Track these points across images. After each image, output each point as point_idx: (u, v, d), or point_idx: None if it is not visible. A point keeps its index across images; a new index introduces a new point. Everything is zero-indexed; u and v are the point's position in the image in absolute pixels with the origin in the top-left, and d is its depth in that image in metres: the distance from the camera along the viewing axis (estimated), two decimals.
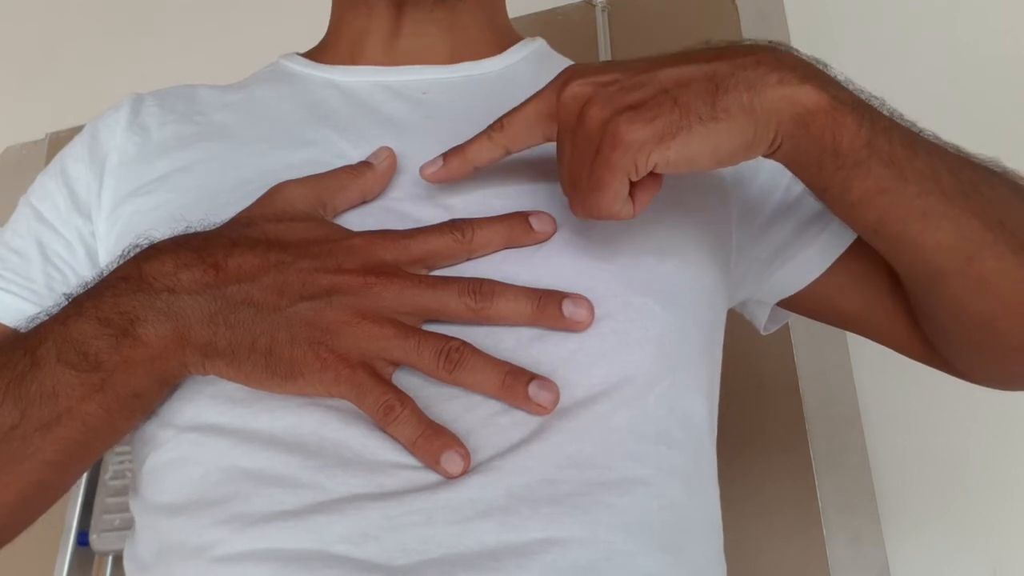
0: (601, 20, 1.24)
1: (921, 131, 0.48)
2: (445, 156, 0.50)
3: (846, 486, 0.94)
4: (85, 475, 1.12)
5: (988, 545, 0.90)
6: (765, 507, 0.94)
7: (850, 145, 0.43)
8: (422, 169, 0.51)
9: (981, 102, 1.06)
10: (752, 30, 1.15)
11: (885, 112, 0.46)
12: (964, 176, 0.46)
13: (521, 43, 0.66)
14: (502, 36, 0.66)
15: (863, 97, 0.46)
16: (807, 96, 0.42)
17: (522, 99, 0.50)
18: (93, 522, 1.10)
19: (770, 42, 0.46)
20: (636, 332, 0.49)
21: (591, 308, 0.47)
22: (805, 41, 1.13)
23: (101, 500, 1.11)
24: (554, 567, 0.41)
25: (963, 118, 1.03)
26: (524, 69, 0.63)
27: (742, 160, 0.44)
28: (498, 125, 0.49)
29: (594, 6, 1.25)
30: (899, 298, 0.57)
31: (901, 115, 0.48)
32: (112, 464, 1.12)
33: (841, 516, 0.92)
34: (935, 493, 0.94)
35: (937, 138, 0.48)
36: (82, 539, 1.11)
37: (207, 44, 1.50)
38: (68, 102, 1.42)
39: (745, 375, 0.99)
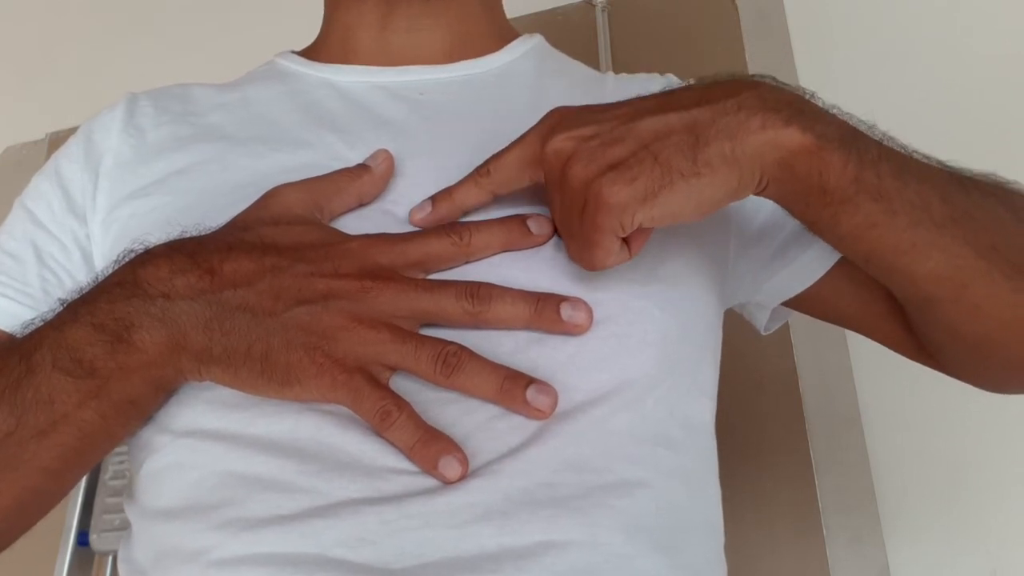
0: (601, 20, 1.24)
1: (911, 153, 0.47)
2: (434, 200, 0.51)
3: (846, 486, 0.94)
4: (85, 476, 1.12)
5: (988, 546, 0.90)
6: (765, 507, 0.94)
7: (837, 183, 0.43)
8: (411, 214, 0.52)
9: (981, 102, 1.06)
10: (752, 30, 1.15)
11: (875, 138, 0.46)
12: (956, 201, 0.45)
13: (519, 39, 0.65)
14: (500, 32, 0.66)
15: (852, 123, 0.45)
16: (791, 139, 0.42)
17: (523, 99, 0.50)
18: (93, 522, 1.10)
19: (753, 76, 0.46)
20: (636, 335, 0.49)
21: (589, 311, 0.47)
22: (805, 41, 1.13)
23: (101, 500, 1.10)
24: (552, 570, 0.41)
25: (962, 118, 1.04)
26: (524, 66, 0.63)
27: (728, 204, 0.44)
28: (484, 170, 0.50)
29: (594, 6, 1.25)
30: (896, 303, 0.57)
31: (891, 138, 0.47)
32: (112, 464, 1.12)
33: (841, 516, 0.92)
34: (935, 493, 0.94)
35: (928, 158, 0.48)
36: (82, 539, 1.11)
37: (207, 44, 1.50)
38: (68, 102, 1.42)
39: (745, 375, 0.99)
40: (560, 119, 0.47)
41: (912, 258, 0.45)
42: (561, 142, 0.45)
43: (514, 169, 0.49)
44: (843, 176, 0.43)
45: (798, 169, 0.43)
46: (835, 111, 0.46)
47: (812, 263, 0.59)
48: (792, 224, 0.59)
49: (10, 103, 1.62)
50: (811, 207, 0.45)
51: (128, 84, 0.64)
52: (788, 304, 0.64)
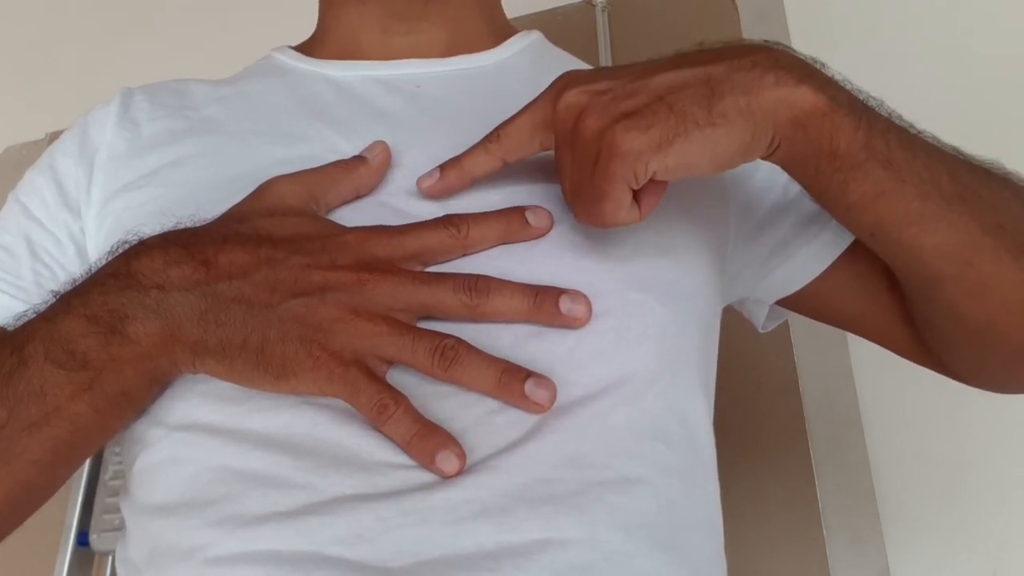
0: (601, 20, 1.24)
1: (920, 132, 0.47)
2: (442, 168, 0.51)
3: (846, 486, 0.93)
4: (85, 475, 1.12)
5: (988, 546, 0.90)
6: (765, 507, 0.94)
7: (847, 147, 0.43)
8: (419, 182, 0.51)
9: (981, 102, 1.06)
10: (752, 30, 1.15)
11: (884, 113, 0.46)
12: (963, 179, 0.45)
13: (518, 35, 0.65)
14: (498, 28, 0.66)
15: (862, 97, 0.45)
16: (804, 97, 0.42)
17: (519, 93, 0.50)
18: (93, 522, 1.10)
19: (766, 42, 0.46)
20: (635, 329, 0.48)
21: (589, 304, 0.47)
22: (805, 41, 1.13)
23: (101, 500, 1.10)
24: (552, 568, 0.41)
25: (962, 118, 1.03)
26: (521, 62, 0.63)
27: (740, 163, 0.44)
28: (494, 136, 0.49)
29: (594, 6, 1.25)
30: (897, 299, 0.57)
31: (900, 116, 0.47)
32: (112, 464, 1.12)
33: (841, 517, 0.92)
34: (935, 494, 0.94)
35: (937, 140, 0.48)
36: (82, 539, 1.10)
37: (207, 44, 1.49)
38: (68, 102, 1.41)
39: (745, 375, 0.98)
40: (572, 79, 0.46)
41: (919, 230, 0.45)
42: (574, 96, 0.45)
43: (525, 133, 0.48)
44: (854, 141, 0.43)
45: (810, 130, 0.43)
46: (846, 84, 0.45)
47: (813, 258, 0.59)
48: (793, 218, 0.59)
49: (10, 103, 1.62)
50: (821, 172, 0.45)
51: (128, 83, 0.64)
52: (790, 303, 0.63)
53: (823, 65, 0.46)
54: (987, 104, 1.06)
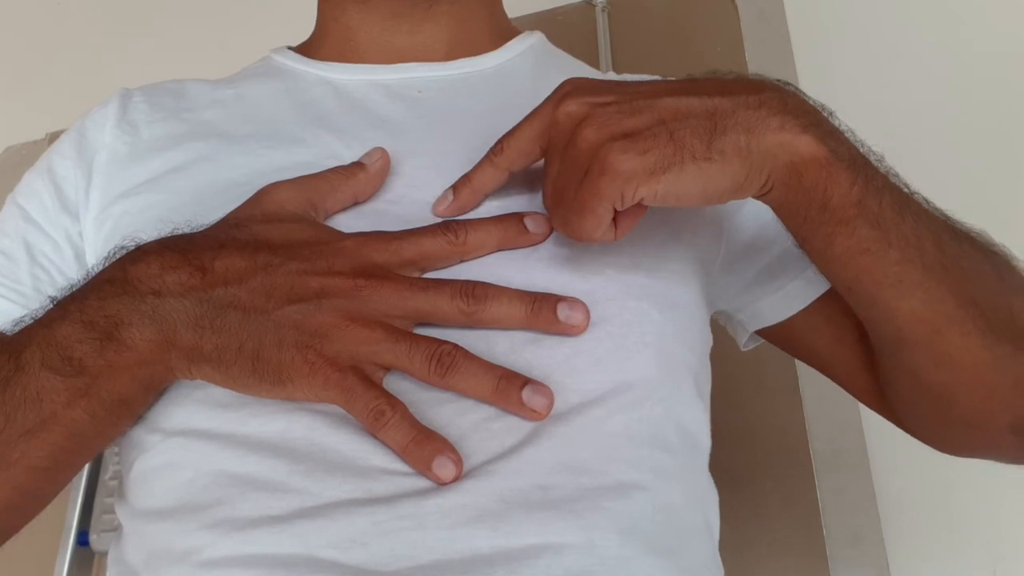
0: (601, 20, 1.24)
1: (913, 193, 0.47)
2: (455, 188, 0.51)
3: (846, 487, 0.93)
4: (85, 475, 1.12)
5: (988, 547, 0.90)
6: (765, 508, 0.94)
7: (840, 202, 0.43)
8: (434, 206, 0.51)
9: (980, 102, 1.06)
10: (752, 30, 1.15)
11: (881, 170, 0.46)
12: (947, 248, 0.46)
13: (519, 37, 0.65)
14: (500, 30, 0.65)
15: (862, 151, 0.45)
16: (805, 146, 0.42)
17: (521, 96, 0.50)
18: (93, 522, 1.10)
19: (778, 81, 0.45)
20: (633, 336, 0.48)
21: (586, 312, 0.47)
22: (804, 41, 1.13)
23: (101, 500, 1.11)
24: (548, 572, 0.41)
25: (961, 118, 1.03)
26: (523, 64, 0.63)
27: (730, 200, 0.44)
28: (498, 148, 0.49)
29: (594, 6, 1.25)
30: (865, 349, 0.57)
31: (896, 174, 0.47)
32: (112, 464, 1.12)
33: (841, 517, 0.92)
34: (935, 494, 0.94)
35: (927, 202, 0.48)
36: (82, 539, 1.11)
37: (207, 44, 1.50)
38: (68, 102, 1.42)
39: (745, 375, 0.98)
40: (575, 87, 0.46)
41: (896, 293, 0.45)
42: (575, 105, 0.44)
43: (527, 142, 0.48)
44: (848, 196, 0.43)
45: (806, 179, 0.43)
46: (849, 135, 0.45)
47: (792, 295, 0.60)
48: (778, 249, 0.59)
49: (10, 103, 1.62)
50: (808, 222, 0.45)
51: (127, 84, 0.64)
52: (766, 334, 0.64)
53: (831, 114, 0.46)
54: (987, 104, 1.05)
